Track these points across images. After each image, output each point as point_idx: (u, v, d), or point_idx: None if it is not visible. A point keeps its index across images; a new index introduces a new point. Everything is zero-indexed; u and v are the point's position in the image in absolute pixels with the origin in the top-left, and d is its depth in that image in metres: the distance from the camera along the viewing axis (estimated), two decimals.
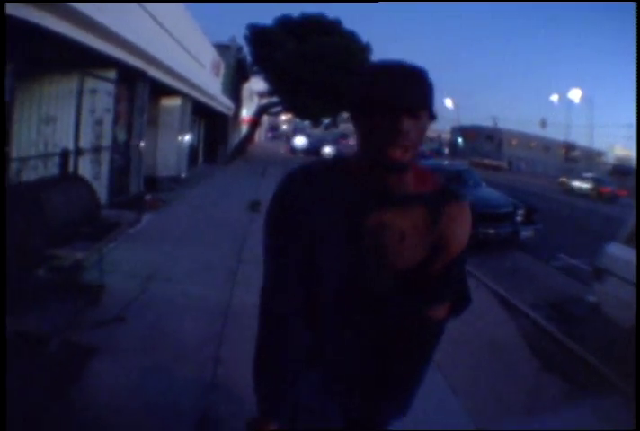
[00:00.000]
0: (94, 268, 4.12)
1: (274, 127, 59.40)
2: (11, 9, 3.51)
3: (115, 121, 7.34)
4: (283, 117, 45.69)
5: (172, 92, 10.81)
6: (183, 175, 12.74)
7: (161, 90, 9.97)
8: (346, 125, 47.60)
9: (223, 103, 17.59)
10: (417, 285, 1.21)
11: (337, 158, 1.24)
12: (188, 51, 11.60)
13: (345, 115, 34.38)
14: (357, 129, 1.14)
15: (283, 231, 1.19)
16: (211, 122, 18.59)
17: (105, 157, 7.20)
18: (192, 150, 15.42)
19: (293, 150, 34.70)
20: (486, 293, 5.26)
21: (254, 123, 27.94)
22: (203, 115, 16.46)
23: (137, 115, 8.50)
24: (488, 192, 9.41)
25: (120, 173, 7.99)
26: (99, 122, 6.82)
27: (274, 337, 1.23)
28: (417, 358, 1.28)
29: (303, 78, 20.94)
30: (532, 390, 3.21)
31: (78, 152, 6.00)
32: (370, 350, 1.27)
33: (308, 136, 40.57)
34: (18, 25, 3.82)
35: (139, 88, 8.31)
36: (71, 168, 5.70)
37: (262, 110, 27.89)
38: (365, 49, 23.04)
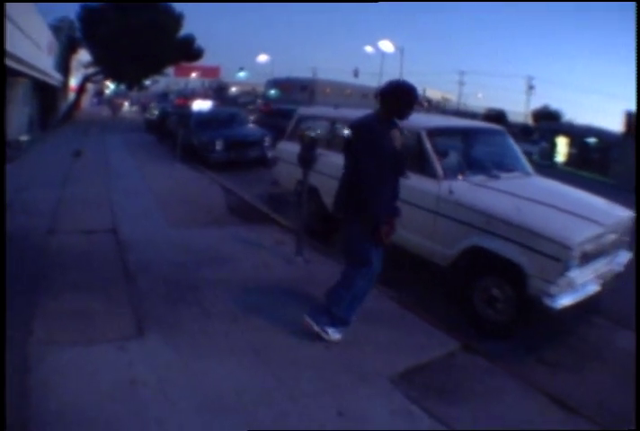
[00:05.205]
0: None
1: (99, 93, 58.61)
2: None
3: None
4: (107, 83, 46.23)
5: (19, 74, 13.89)
6: (26, 138, 15.82)
7: (12, 73, 13.08)
8: (157, 86, 48.30)
9: (54, 78, 20.23)
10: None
11: (372, 113, 3.28)
12: (32, 39, 14.51)
13: (157, 78, 36.01)
14: (393, 104, 3.16)
15: (370, 145, 3.08)
16: (44, 94, 20.88)
17: None
18: (30, 118, 18.19)
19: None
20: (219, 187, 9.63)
21: (79, 91, 29.97)
22: (38, 88, 19.04)
23: None
24: (248, 127, 13.71)
25: None
26: None
27: (377, 191, 3.10)
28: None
29: (121, 49, 24.02)
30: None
31: None
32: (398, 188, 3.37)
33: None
34: None
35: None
36: None
37: (85, 79, 30.02)
38: (178, 19, 27.26)
